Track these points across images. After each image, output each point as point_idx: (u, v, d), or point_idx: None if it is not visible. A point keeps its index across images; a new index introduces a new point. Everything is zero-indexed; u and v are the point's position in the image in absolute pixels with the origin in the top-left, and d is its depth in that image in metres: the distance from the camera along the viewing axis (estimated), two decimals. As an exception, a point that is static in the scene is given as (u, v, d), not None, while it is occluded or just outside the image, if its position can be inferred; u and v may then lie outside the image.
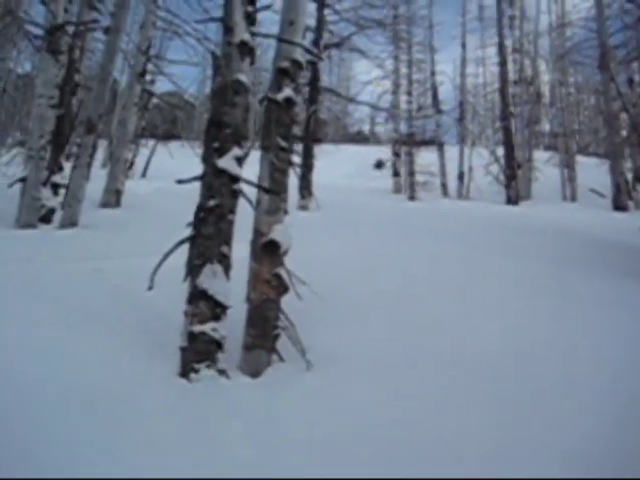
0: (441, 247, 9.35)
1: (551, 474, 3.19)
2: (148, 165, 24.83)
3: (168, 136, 27.69)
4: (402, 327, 5.43)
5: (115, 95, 23.32)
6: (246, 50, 4.81)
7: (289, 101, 5.03)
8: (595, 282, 7.65)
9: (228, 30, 4.82)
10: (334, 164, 25.66)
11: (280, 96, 4.99)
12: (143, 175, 24.13)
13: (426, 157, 23.09)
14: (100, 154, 24.70)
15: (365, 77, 24.51)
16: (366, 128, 38.78)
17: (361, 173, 24.06)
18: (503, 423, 3.73)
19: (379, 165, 26.44)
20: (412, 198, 20.58)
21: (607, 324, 5.77)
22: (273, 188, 4.86)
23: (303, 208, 13.89)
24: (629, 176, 22.31)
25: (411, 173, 21.53)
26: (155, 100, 23.05)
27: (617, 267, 9.00)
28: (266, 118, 5.08)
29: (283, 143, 4.96)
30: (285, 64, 5.07)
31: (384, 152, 24.73)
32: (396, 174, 23.45)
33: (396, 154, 23.43)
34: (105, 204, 12.71)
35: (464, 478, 3.00)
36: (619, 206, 19.53)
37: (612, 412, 3.94)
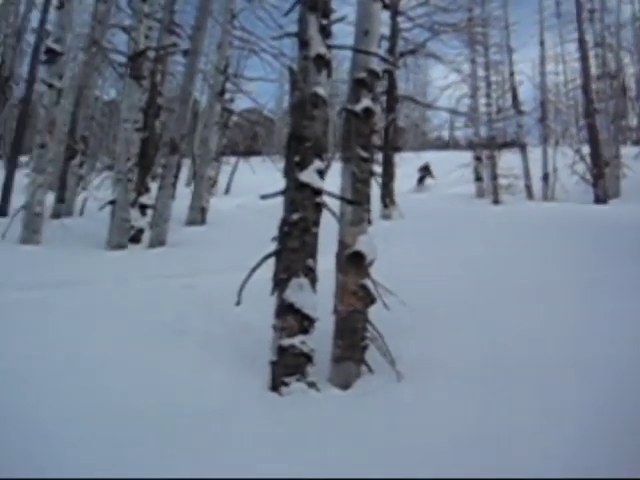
0: (531, 252, 9.09)
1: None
2: (231, 182, 25.31)
3: (249, 152, 28.15)
4: (494, 337, 5.27)
5: (196, 115, 23.91)
6: (322, 63, 4.83)
7: (368, 111, 5.02)
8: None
9: (304, 44, 4.86)
10: (415, 171, 25.52)
11: (358, 107, 4.98)
12: (226, 192, 24.61)
13: (508, 160, 22.63)
14: (184, 173, 25.37)
15: (442, 82, 24.08)
16: (446, 134, 38.53)
17: (443, 179, 23.72)
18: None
19: (421, 179, 27.48)
20: (496, 202, 20.22)
21: None
22: (356, 199, 4.85)
23: (386, 217, 13.84)
24: None
25: (494, 176, 21.16)
26: (235, 117, 23.50)
27: None
28: (345, 129, 5.08)
29: (364, 153, 4.94)
30: (362, 74, 5.06)
31: (465, 157, 24.36)
32: (478, 178, 23.10)
33: (477, 158, 23.06)
34: (191, 222, 13.01)
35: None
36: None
37: None
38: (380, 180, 13.99)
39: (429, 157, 29.15)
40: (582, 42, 22.60)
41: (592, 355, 4.75)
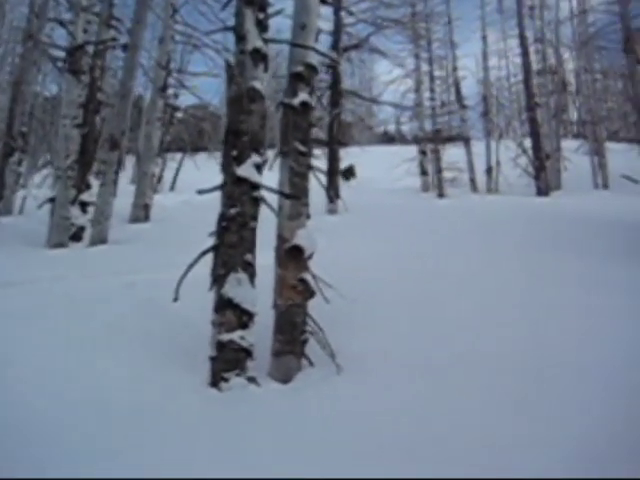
0: (473, 245, 9.24)
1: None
2: (176, 178, 25.03)
3: (195, 149, 27.89)
4: (433, 329, 5.34)
5: (141, 111, 23.58)
6: (259, 57, 4.82)
7: (305, 105, 5.03)
8: (633, 271, 7.50)
9: (240, 38, 4.84)
10: (360, 166, 25.61)
11: (296, 101, 4.99)
12: (172, 188, 24.33)
13: (453, 154, 22.92)
14: (129, 170, 25.01)
15: (387, 77, 24.24)
16: (392, 128, 38.76)
17: (388, 174, 23.89)
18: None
19: (347, 173, 25.29)
20: (441, 195, 20.43)
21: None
22: (294, 193, 4.86)
23: (332, 212, 13.85)
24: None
25: (439, 170, 21.39)
26: (180, 114, 23.27)
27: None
28: (283, 124, 5.08)
29: (302, 147, 4.95)
30: (299, 68, 5.07)
31: (410, 151, 24.56)
32: (424, 172, 23.33)
33: (422, 152, 23.29)
34: (134, 219, 12.84)
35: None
36: (653, 191, 19.14)
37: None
38: (325, 175, 13.98)
39: (375, 152, 29.32)
40: (523, 38, 22.98)
41: (528, 342, 4.86)
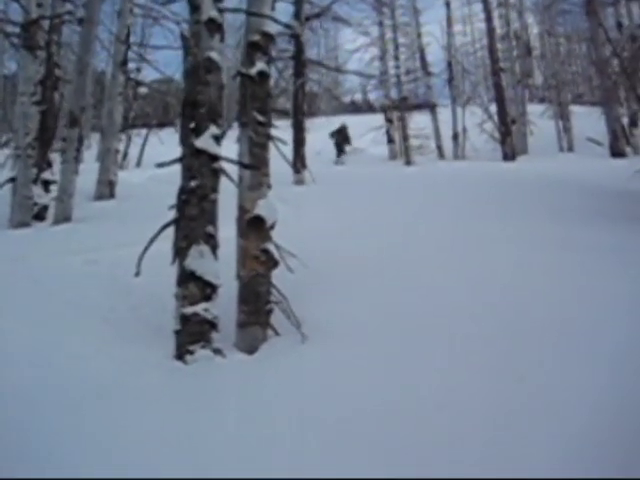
0: (438, 210, 9.29)
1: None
2: (142, 154, 24.74)
3: (161, 124, 27.57)
4: (399, 297, 5.36)
5: (104, 87, 23.20)
6: (214, 27, 4.76)
7: (263, 75, 4.99)
8: (593, 230, 7.61)
9: (195, 8, 4.77)
10: (328, 136, 25.60)
11: (253, 70, 4.95)
12: (138, 164, 24.07)
13: (420, 121, 22.94)
14: (95, 147, 24.67)
15: (351, 46, 24.16)
16: (358, 97, 38.62)
17: (357, 142, 23.86)
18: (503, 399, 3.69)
19: (339, 148, 23.50)
20: (408, 163, 20.46)
21: (604, 270, 5.72)
22: (253, 163, 4.84)
23: (298, 183, 13.79)
24: (625, 122, 22.15)
25: (405, 138, 21.41)
26: (144, 89, 22.95)
27: (614, 213, 8.96)
28: (241, 94, 5.04)
29: (260, 117, 4.92)
30: (256, 37, 5.02)
31: (378, 120, 24.52)
32: (390, 140, 23.32)
33: (389, 120, 23.26)
34: (99, 196, 12.66)
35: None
36: (617, 152, 19.36)
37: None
38: (291, 145, 13.92)
39: (342, 121, 29.22)
40: (486, 2, 22.93)
41: (487, 306, 4.92)
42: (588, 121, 22.76)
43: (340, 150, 23.13)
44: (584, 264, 5.92)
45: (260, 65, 4.98)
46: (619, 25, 22.18)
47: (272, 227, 4.85)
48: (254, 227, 4.77)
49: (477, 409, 3.43)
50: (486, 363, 3.96)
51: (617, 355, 3.95)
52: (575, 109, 25.56)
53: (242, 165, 4.84)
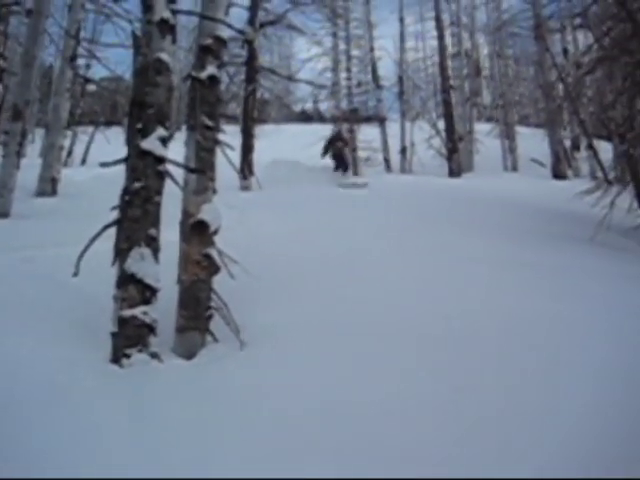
0: (383, 222, 9.39)
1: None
2: (87, 152, 24.28)
3: (109, 122, 27.12)
4: (341, 302, 5.41)
5: (51, 81, 22.74)
6: (167, 28, 4.73)
7: (213, 79, 4.98)
8: (535, 249, 7.81)
9: (147, 8, 4.74)
10: (277, 144, 25.45)
11: (204, 74, 4.94)
12: (83, 162, 23.61)
13: (369, 133, 23.06)
14: (38, 143, 24.12)
15: (305, 55, 24.18)
16: (309, 107, 38.71)
17: (305, 152, 23.88)
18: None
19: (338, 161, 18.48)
20: (355, 174, 20.58)
21: (547, 287, 5.89)
22: (200, 167, 4.81)
23: (245, 188, 13.76)
24: (568, 145, 22.74)
25: (353, 149, 21.52)
26: (93, 86, 22.56)
27: (556, 234, 9.20)
28: (191, 97, 5.02)
29: (209, 122, 4.90)
30: (208, 41, 5.02)
31: (327, 130, 24.59)
32: (339, 151, 23.46)
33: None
34: (41, 193, 12.36)
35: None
36: (558, 174, 19.86)
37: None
38: (239, 151, 13.88)
39: (292, 130, 29.23)
40: (439, 21, 23.27)
41: (429, 314, 5.01)
42: (532, 142, 23.27)
43: (341, 164, 18.12)
44: (527, 281, 6.11)
45: (211, 69, 4.97)
46: (565, 51, 22.85)
47: (216, 232, 4.82)
48: (197, 232, 4.74)
49: (411, 413, 3.50)
50: (424, 369, 4.04)
51: (544, 361, 4.10)
52: (521, 130, 26.12)
53: (188, 169, 4.81)
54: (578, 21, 15.10)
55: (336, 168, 17.97)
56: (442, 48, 23.05)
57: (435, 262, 6.87)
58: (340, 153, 18.05)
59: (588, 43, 15.75)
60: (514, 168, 23.95)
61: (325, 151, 18.30)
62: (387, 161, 23.69)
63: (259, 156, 15.46)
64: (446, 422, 3.43)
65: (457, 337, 4.61)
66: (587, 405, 3.64)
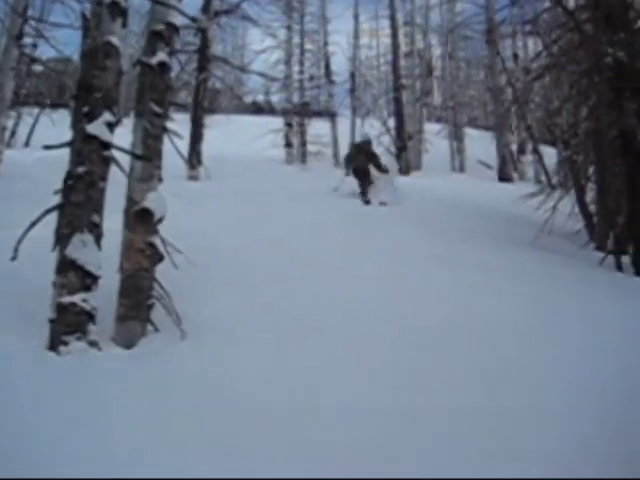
0: (329, 216, 9.42)
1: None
2: (32, 134, 23.70)
3: (56, 104, 26.49)
4: (285, 296, 5.43)
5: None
6: (117, 11, 4.65)
7: (163, 66, 4.91)
8: (481, 250, 7.96)
9: (98, -11, 4.63)
10: (227, 134, 25.24)
11: (154, 60, 4.86)
12: (26, 144, 23.04)
13: (319, 127, 23.11)
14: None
15: (258, 46, 24.01)
16: (261, 99, 38.47)
17: (255, 144, 23.79)
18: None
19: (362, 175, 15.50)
20: (304, 168, 20.57)
21: (490, 288, 6.02)
22: (146, 155, 4.74)
23: (193, 178, 13.65)
24: (514, 148, 23.16)
25: (303, 143, 21.54)
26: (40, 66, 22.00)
27: (500, 236, 9.37)
28: (140, 83, 4.94)
29: (157, 109, 4.83)
30: (159, 27, 4.94)
31: (278, 122, 24.52)
32: (288, 144, 23.39)
33: (288, 124, 23.32)
34: (-19, 174, 12.06)
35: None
36: (504, 177, 20.23)
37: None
38: (188, 140, 13.74)
39: (243, 121, 29.06)
40: (393, 20, 23.39)
41: (371, 309, 5.06)
42: (480, 144, 23.64)
43: (365, 180, 12.65)
44: (473, 281, 6.29)
45: (161, 55, 4.90)
46: (515, 56, 23.23)
47: (160, 221, 4.76)
48: (142, 220, 4.67)
49: (345, 409, 3.53)
50: (364, 365, 4.08)
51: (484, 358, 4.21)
52: (469, 131, 26.51)
53: (134, 155, 4.74)
54: (529, 28, 15.29)
55: (362, 193, 12.56)
56: (395, 47, 23.17)
57: (381, 258, 6.94)
58: (365, 170, 12.77)
59: (538, 50, 16.05)
60: (461, 169, 24.29)
61: (347, 164, 13.99)
62: (336, 156, 23.75)
63: (209, 146, 15.35)
64: (378, 418, 3.46)
65: (399, 334, 4.68)
66: (531, 394, 3.80)
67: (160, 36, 4.92)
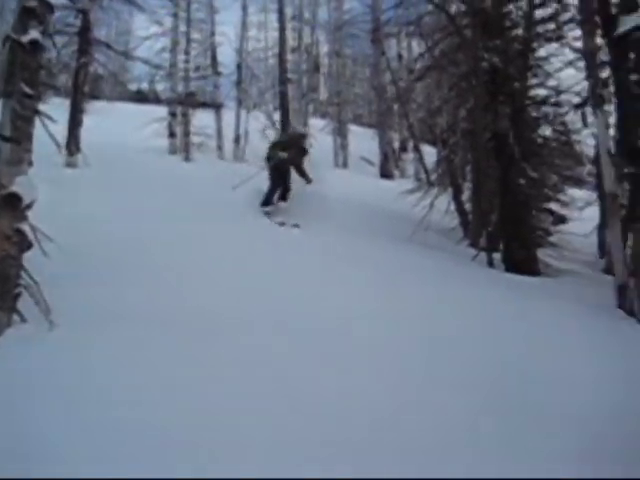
0: (208, 205, 9.37)
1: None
2: None
3: None
4: (162, 289, 5.36)
5: None
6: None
7: (35, 44, 4.70)
8: (363, 245, 8.18)
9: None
10: (110, 122, 24.56)
11: (25, 38, 4.64)
12: None
13: (203, 118, 22.76)
14: None
15: (143, 33, 23.30)
16: (145, 87, 37.53)
17: (138, 132, 23.24)
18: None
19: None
20: (187, 159, 20.26)
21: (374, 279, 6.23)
22: (15, 137, 4.52)
23: (70, 165, 13.11)
24: (396, 146, 23.76)
25: (187, 134, 21.16)
26: None
27: (380, 230, 9.61)
28: (9, 61, 4.70)
29: (28, 89, 4.62)
30: (32, 3, 4.73)
31: (162, 112, 24.01)
32: (172, 134, 22.92)
33: (172, 114, 22.83)
34: None
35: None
36: (385, 174, 20.76)
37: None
38: (67, 125, 13.22)
39: (127, 109, 28.28)
40: (281, 13, 23.39)
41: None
42: (363, 141, 24.09)
43: (285, 188, 11.10)
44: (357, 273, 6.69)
45: (34, 34, 4.68)
46: (400, 57, 23.84)
47: (29, 206, 4.56)
48: (9, 205, 4.45)
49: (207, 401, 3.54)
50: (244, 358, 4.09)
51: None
52: (353, 128, 26.95)
53: (2, 137, 4.51)
54: (412, 29, 15.72)
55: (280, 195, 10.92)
56: (282, 41, 23.16)
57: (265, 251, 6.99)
58: (287, 167, 10.94)
59: (421, 51, 16.52)
60: (345, 164, 24.64)
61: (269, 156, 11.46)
62: (220, 148, 23.53)
63: (90, 133, 14.82)
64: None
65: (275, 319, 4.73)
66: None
67: (32, 13, 4.70)
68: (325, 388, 3.85)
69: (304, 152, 10.92)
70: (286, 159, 10.61)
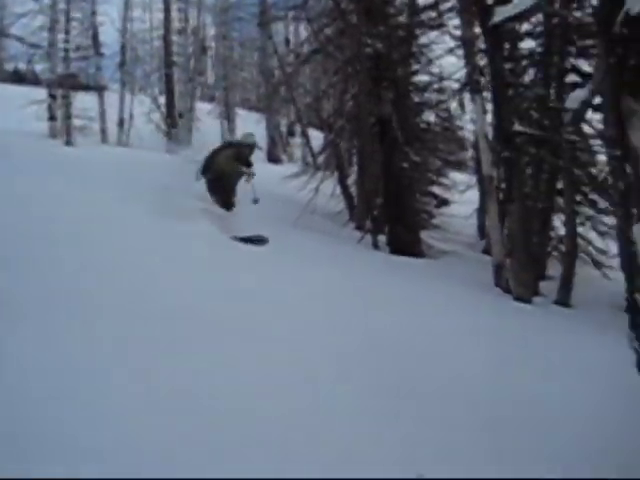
0: (90, 192, 9.05)
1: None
2: None
3: None
4: (75, 273, 5.12)
5: None
6: None
7: None
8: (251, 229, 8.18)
9: None
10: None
11: None
12: None
13: (86, 101, 21.99)
14: None
15: (19, 9, 22.15)
16: (23, 67, 35.87)
17: (15, 115, 22.19)
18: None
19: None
20: (69, 143, 19.56)
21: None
22: None
23: (-61, 148, 12.39)
24: (284, 130, 23.85)
25: (68, 117, 20.41)
26: None
27: (267, 215, 9.59)
28: None
29: None
30: None
31: (42, 94, 23.03)
32: (52, 117, 22.02)
33: (52, 96, 21.92)
34: None
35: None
36: (273, 158, 20.81)
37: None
38: None
39: (3, 90, 26.93)
40: (166, -6, 23.02)
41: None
42: (251, 125, 23.97)
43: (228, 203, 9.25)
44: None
45: None
46: (287, 41, 23.89)
47: None
48: None
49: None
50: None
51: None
52: (241, 112, 26.83)
53: None
54: (299, 13, 15.73)
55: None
56: (167, 22, 22.79)
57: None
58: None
59: (308, 35, 16.58)
60: (232, 148, 24.53)
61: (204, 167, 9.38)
62: (104, 132, 22.86)
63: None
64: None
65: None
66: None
67: None
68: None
69: (248, 165, 9.34)
70: (225, 174, 9.12)
